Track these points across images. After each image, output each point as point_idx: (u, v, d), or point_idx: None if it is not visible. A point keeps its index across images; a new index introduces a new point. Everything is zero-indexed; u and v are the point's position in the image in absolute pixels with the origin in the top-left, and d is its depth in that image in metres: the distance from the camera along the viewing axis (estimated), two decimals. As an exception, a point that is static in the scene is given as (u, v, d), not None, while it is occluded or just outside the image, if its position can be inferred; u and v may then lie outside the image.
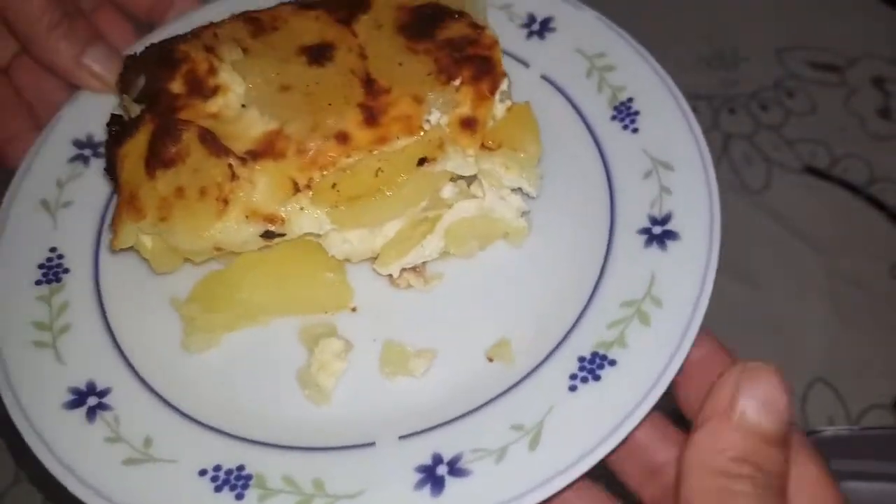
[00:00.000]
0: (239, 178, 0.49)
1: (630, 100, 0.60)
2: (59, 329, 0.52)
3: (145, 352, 0.52)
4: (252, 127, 0.52)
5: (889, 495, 0.74)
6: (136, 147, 0.51)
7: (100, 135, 0.62)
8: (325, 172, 0.50)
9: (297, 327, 0.53)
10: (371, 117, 0.52)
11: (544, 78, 0.63)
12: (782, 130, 1.06)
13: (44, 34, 0.60)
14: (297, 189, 0.50)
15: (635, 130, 0.58)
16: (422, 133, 0.51)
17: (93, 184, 0.60)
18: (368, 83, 0.53)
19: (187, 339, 0.52)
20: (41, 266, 0.55)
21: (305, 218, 0.50)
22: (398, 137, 0.51)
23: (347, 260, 0.54)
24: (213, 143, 0.49)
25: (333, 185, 0.50)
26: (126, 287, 0.55)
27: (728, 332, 0.76)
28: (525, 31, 0.65)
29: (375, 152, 0.51)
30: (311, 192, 0.50)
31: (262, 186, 0.49)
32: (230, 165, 0.49)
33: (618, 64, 0.61)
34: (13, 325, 0.52)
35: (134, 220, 0.50)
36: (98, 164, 0.60)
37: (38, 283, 0.54)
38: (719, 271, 0.59)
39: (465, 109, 0.53)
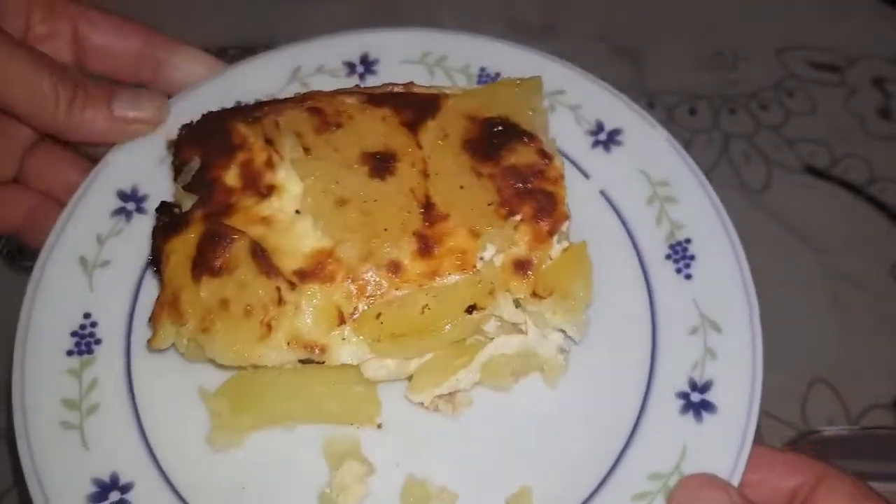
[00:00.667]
0: (286, 304, 0.48)
1: (688, 241, 0.58)
2: (87, 409, 0.52)
3: (170, 443, 0.52)
4: (304, 240, 0.51)
5: (889, 495, 0.71)
6: (184, 245, 0.50)
7: (145, 186, 0.60)
8: (372, 304, 0.49)
9: (322, 438, 0.53)
10: (425, 248, 0.51)
11: (603, 194, 0.61)
12: (782, 130, 1.08)
13: (65, 112, 0.57)
14: (342, 320, 0.49)
15: (689, 276, 0.57)
16: (474, 271, 0.50)
17: (133, 244, 0.58)
18: (427, 207, 0.52)
19: (213, 433, 0.52)
20: (74, 334, 0.55)
21: (346, 348, 0.49)
22: (450, 273, 0.50)
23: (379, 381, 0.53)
24: (263, 259, 0.48)
25: (378, 316, 0.49)
26: (157, 368, 0.54)
27: None
28: (591, 139, 0.63)
29: (425, 286, 0.50)
30: (354, 323, 0.49)
31: (307, 313, 0.49)
32: (278, 288, 0.48)
33: (680, 197, 0.60)
34: (43, 400, 0.52)
35: (174, 324, 0.49)
36: (140, 221, 0.59)
37: (69, 353, 0.54)
38: None
39: (521, 250, 0.51)
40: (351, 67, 0.66)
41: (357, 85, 0.61)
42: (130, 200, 0.60)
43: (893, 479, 0.75)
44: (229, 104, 0.62)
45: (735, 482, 0.50)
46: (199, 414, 0.54)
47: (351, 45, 0.67)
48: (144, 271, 0.58)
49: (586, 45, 1.10)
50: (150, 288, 0.57)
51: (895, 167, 1.03)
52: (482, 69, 0.66)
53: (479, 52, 0.67)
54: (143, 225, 0.59)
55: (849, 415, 0.85)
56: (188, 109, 0.62)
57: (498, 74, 0.66)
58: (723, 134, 1.07)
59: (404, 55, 0.67)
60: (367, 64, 0.67)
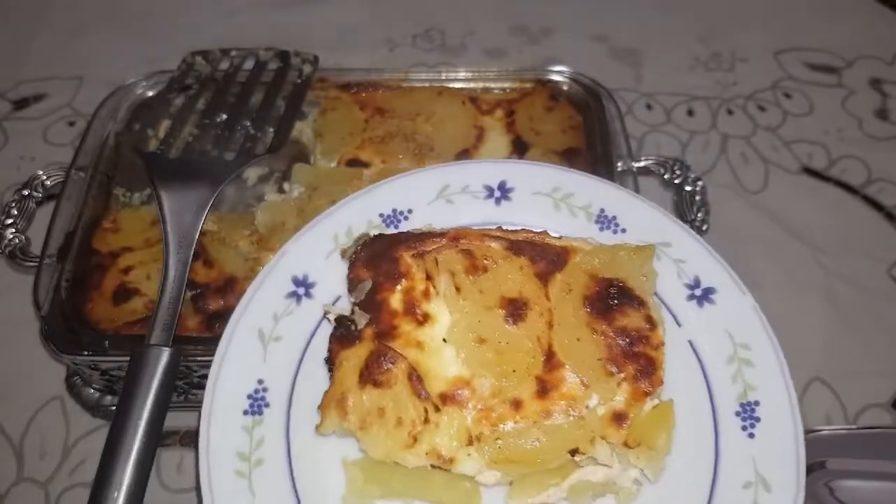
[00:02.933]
0: (430, 423, 0.61)
1: (757, 403, 0.68)
2: (254, 462, 0.65)
3: (314, 497, 0.65)
4: (448, 366, 0.63)
5: (886, 494, 0.77)
6: (355, 357, 0.63)
7: (314, 274, 0.72)
8: (494, 430, 0.61)
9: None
10: (543, 391, 0.62)
11: (691, 344, 0.72)
12: (780, 131, 1.10)
13: None
14: (470, 441, 0.61)
15: (752, 436, 0.67)
16: (579, 417, 0.62)
17: (300, 324, 0.71)
18: (549, 355, 0.64)
19: (347, 496, 0.65)
20: (249, 396, 0.68)
21: (468, 463, 0.62)
22: (560, 415, 0.62)
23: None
24: (416, 383, 0.61)
25: (496, 440, 0.61)
26: (311, 434, 0.67)
27: None
28: (688, 292, 0.73)
29: (538, 423, 0.62)
30: (479, 443, 0.61)
31: (445, 432, 0.61)
32: (426, 409, 0.61)
33: (757, 362, 0.70)
34: (222, 450, 0.65)
35: (339, 417, 0.62)
36: (307, 304, 0.72)
37: (245, 412, 0.67)
38: None
39: (620, 404, 0.63)
40: (490, 191, 0.77)
41: (499, 226, 0.73)
42: (301, 286, 0.72)
43: (890, 479, 0.77)
44: (388, 210, 0.75)
45: None
46: (339, 477, 0.66)
47: (492, 171, 0.78)
48: (306, 350, 0.71)
49: (586, 47, 1.12)
50: (311, 365, 0.70)
51: (892, 168, 1.05)
52: (601, 210, 0.77)
53: (601, 195, 0.77)
54: (310, 308, 0.72)
55: (846, 414, 0.87)
56: (357, 209, 0.75)
57: (614, 217, 0.76)
58: (721, 135, 1.09)
59: (537, 187, 0.77)
60: (504, 190, 0.77)
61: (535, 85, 1.00)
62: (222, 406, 0.66)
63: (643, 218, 0.75)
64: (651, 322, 0.65)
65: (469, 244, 0.67)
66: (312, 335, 0.71)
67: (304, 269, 0.73)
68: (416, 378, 0.62)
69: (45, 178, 0.91)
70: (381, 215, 0.75)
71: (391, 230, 0.74)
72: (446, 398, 0.62)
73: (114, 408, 0.74)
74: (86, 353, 0.76)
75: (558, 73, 1.00)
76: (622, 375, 0.63)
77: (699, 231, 0.86)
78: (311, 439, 0.67)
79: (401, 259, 0.66)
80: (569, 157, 0.92)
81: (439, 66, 1.11)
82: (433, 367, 0.63)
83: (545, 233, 0.71)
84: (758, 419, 0.68)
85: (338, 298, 0.72)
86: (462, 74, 1.00)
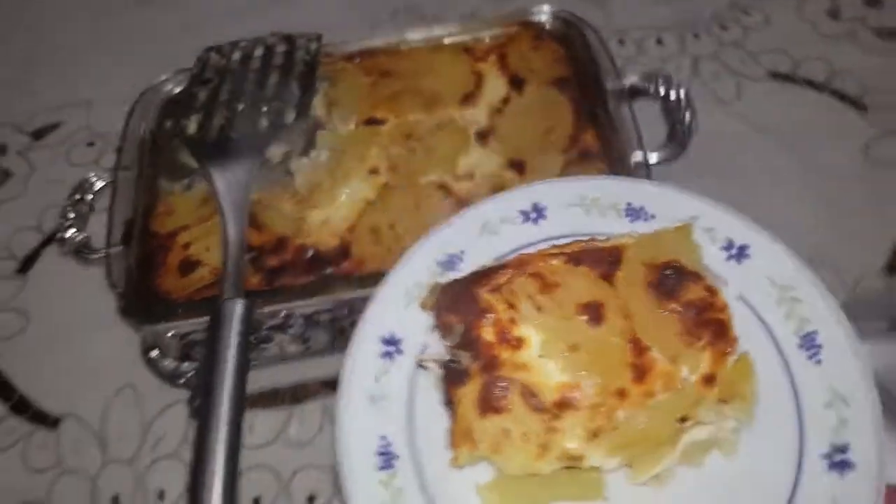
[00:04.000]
0: (553, 431, 0.68)
1: (815, 332, 0.77)
2: (397, 509, 0.72)
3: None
4: (552, 377, 0.70)
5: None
6: (470, 392, 0.70)
7: (399, 332, 0.79)
8: (610, 421, 0.69)
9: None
10: (640, 375, 0.70)
11: (741, 298, 0.80)
12: (744, 44, 1.21)
13: None
14: (591, 437, 0.69)
15: (818, 362, 0.76)
16: (679, 387, 0.70)
17: (399, 378, 0.77)
18: (634, 342, 0.71)
19: (486, 515, 0.72)
20: (379, 454, 0.74)
21: (594, 456, 0.69)
22: (662, 392, 0.70)
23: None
24: (532, 400, 0.68)
25: (614, 429, 0.69)
26: (442, 473, 0.74)
27: None
28: (725, 254, 0.82)
29: (645, 405, 0.69)
30: (601, 438, 0.69)
31: (569, 435, 0.68)
32: (546, 419, 0.68)
33: (804, 298, 0.79)
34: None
35: (470, 449, 0.69)
36: (399, 360, 0.79)
37: (379, 468, 0.73)
38: (706, 175, 0.87)
39: (706, 368, 0.71)
40: (525, 215, 0.85)
41: (552, 244, 0.80)
42: (391, 344, 0.79)
43: (879, 337, 0.84)
44: (443, 257, 0.82)
45: None
46: (474, 501, 0.73)
47: (522, 197, 0.86)
48: (412, 399, 0.77)
49: (554, -4, 1.20)
50: (421, 409, 0.76)
51: (850, 60, 1.15)
52: (628, 204, 0.85)
53: (623, 191, 0.86)
54: (403, 361, 0.78)
55: (845, 285, 0.95)
56: (417, 263, 0.82)
57: (642, 207, 0.85)
58: (691, 57, 1.20)
59: (566, 200, 0.86)
60: (538, 210, 0.85)
61: (520, 28, 1.10)
62: (358, 470, 0.73)
63: (666, 201, 0.84)
64: (710, 290, 0.73)
65: (534, 267, 0.75)
66: (412, 384, 0.78)
67: (390, 328, 0.79)
68: (528, 395, 0.69)
69: (94, 178, 0.99)
70: (438, 263, 0.82)
71: (453, 273, 0.81)
72: (561, 404, 0.69)
73: (192, 373, 0.87)
74: (163, 321, 0.85)
75: (538, 14, 1.11)
76: (702, 343, 0.71)
77: (689, 132, 0.96)
78: (444, 477, 0.74)
79: (480, 297, 0.73)
80: (560, 86, 1.03)
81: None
82: (540, 382, 0.70)
83: (593, 238, 0.79)
84: (820, 346, 0.76)
85: (425, 347, 0.79)
86: (451, 29, 1.10)
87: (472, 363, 0.71)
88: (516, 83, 1.03)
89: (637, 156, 0.91)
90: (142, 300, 0.86)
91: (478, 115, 1.00)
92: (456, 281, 0.76)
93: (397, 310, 0.80)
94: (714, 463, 0.75)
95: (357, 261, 0.90)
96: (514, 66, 1.06)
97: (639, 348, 0.71)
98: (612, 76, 1.01)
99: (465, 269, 0.82)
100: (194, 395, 0.90)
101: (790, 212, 1.01)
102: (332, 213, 0.93)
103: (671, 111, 0.99)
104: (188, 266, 0.90)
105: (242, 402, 0.74)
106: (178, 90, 1.09)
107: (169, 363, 0.91)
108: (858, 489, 0.70)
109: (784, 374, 0.76)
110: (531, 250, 0.81)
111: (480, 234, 0.84)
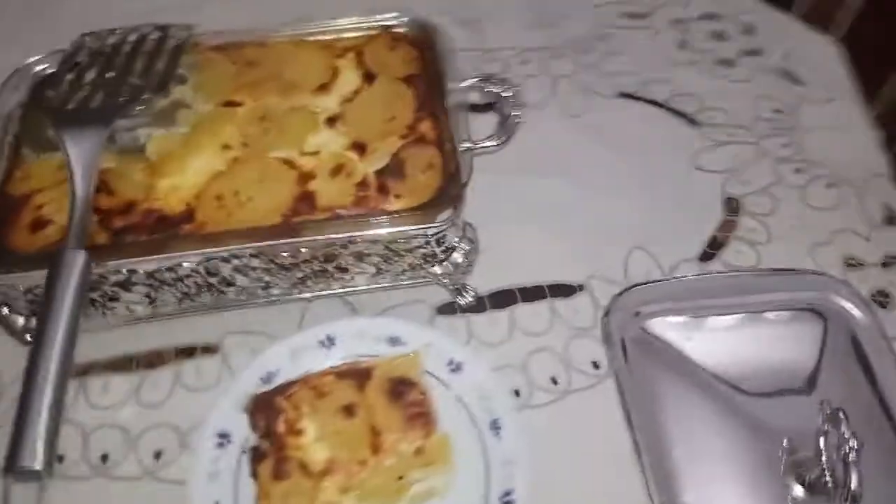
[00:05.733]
0: (318, 489, 1.08)
1: (497, 419, 1.19)
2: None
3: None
4: (320, 454, 1.10)
5: (682, 322, 1.02)
6: (267, 466, 1.08)
7: (228, 428, 1.17)
8: (356, 480, 1.09)
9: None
10: (375, 450, 1.09)
11: (457, 398, 1.22)
12: (600, 66, 1.30)
13: None
14: (344, 491, 1.09)
15: (499, 437, 1.18)
16: (400, 456, 1.11)
17: (229, 461, 1.11)
18: (374, 429, 1.12)
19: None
20: None
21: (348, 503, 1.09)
22: (389, 460, 1.11)
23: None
24: (305, 469, 1.08)
25: (360, 486, 1.09)
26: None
27: (555, 225, 1.16)
28: (448, 367, 1.18)
29: (377, 469, 1.10)
30: (350, 492, 1.09)
31: (329, 492, 1.08)
32: (314, 482, 1.08)
33: (492, 396, 1.21)
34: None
35: None
36: (229, 448, 1.16)
37: None
38: (548, 177, 1.08)
39: (417, 443, 1.12)
40: (322, 343, 1.25)
41: (330, 366, 1.22)
42: (223, 437, 1.17)
43: (686, 312, 1.03)
44: (264, 374, 1.23)
45: None
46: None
47: (319, 332, 1.24)
48: (238, 474, 1.15)
49: (435, 19, 1.22)
50: (243, 481, 1.14)
51: (690, 83, 1.26)
52: (390, 336, 1.24)
53: (391, 327, 1.22)
54: (232, 450, 1.16)
55: (662, 270, 1.07)
56: (246, 380, 1.21)
57: (398, 337, 1.24)
58: (552, 77, 1.31)
59: (349, 333, 1.26)
60: (331, 340, 1.25)
61: (380, 30, 1.21)
62: (195, 524, 1.10)
63: (415, 333, 1.25)
64: (423, 394, 1.15)
65: (314, 382, 1.16)
66: (238, 464, 1.16)
67: (223, 426, 1.19)
68: (303, 466, 1.09)
69: None
70: (260, 378, 1.22)
71: (268, 386, 1.22)
72: (324, 472, 1.09)
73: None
74: (8, 272, 0.87)
75: (398, 18, 1.20)
76: (415, 428, 1.13)
77: (513, 126, 1.08)
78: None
79: (278, 402, 1.14)
80: (409, 81, 1.12)
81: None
82: (312, 458, 1.09)
83: (357, 360, 1.21)
84: (500, 427, 1.17)
85: (247, 438, 1.18)
86: (315, 27, 1.19)
87: (269, 447, 1.11)
88: (369, 77, 1.07)
89: (465, 144, 0.99)
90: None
91: (329, 103, 1.04)
92: (265, 392, 1.16)
93: (230, 412, 1.19)
94: (433, 504, 1.16)
95: (199, 224, 0.93)
96: (370, 63, 1.09)
97: (375, 433, 1.12)
98: (454, 77, 1.04)
99: (277, 383, 1.22)
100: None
101: (621, 211, 1.11)
102: (182, 181, 0.95)
103: (501, 107, 1.04)
104: (39, 224, 0.92)
105: (72, 348, 0.76)
106: (52, 70, 1.07)
107: (17, 319, 0.94)
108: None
109: (479, 445, 1.18)
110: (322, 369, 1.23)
111: (291, 357, 1.25)
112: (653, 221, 1.15)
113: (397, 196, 1.13)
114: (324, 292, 1.24)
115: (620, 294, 1.08)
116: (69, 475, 1.09)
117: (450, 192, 1.08)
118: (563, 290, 1.21)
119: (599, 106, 1.29)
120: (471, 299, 1.25)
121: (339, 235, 1.10)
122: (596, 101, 1.30)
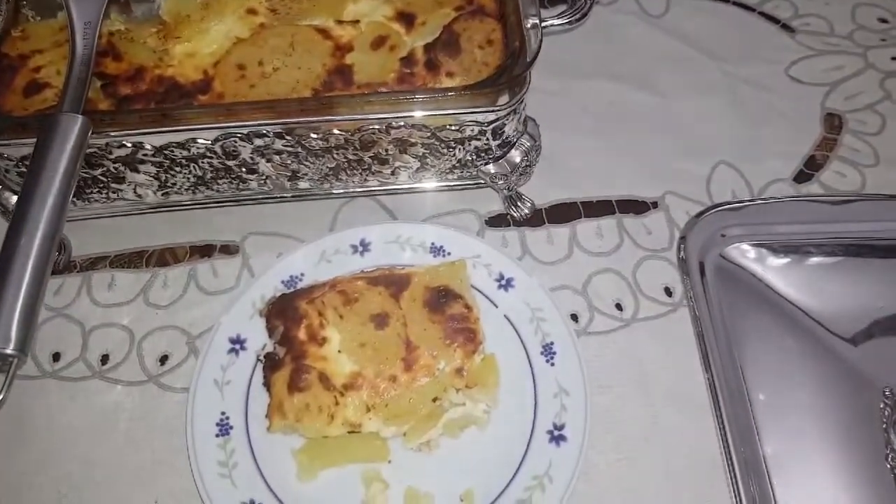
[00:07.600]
0: (339, 405, 0.93)
1: (552, 343, 1.04)
2: (231, 465, 0.95)
3: (278, 480, 0.96)
4: (345, 367, 0.96)
5: (767, 251, 0.91)
6: (282, 376, 0.95)
7: (244, 333, 1.04)
8: (383, 399, 0.94)
9: (360, 471, 0.97)
10: (408, 366, 0.96)
11: (506, 317, 1.07)
12: None
13: None
14: (368, 409, 0.94)
15: (552, 364, 1.03)
16: (435, 376, 0.96)
17: (241, 369, 1.02)
18: (408, 343, 0.97)
19: (299, 473, 0.97)
20: (217, 424, 0.98)
21: (371, 423, 0.94)
22: (423, 378, 0.96)
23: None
24: (326, 381, 0.94)
25: (386, 406, 0.94)
26: (267, 439, 0.98)
27: (637, 134, 1.04)
28: (496, 283, 1.09)
29: (410, 388, 0.95)
30: (375, 411, 0.94)
31: (351, 408, 0.94)
32: (335, 397, 0.93)
33: (547, 318, 1.06)
34: (208, 461, 0.95)
35: (280, 419, 0.94)
36: (243, 355, 1.03)
37: (216, 435, 0.98)
38: (624, 82, 0.98)
39: (457, 363, 0.97)
40: (355, 248, 1.11)
41: (362, 270, 1.07)
42: (237, 343, 1.04)
43: (786, 241, 0.93)
44: (287, 277, 1.07)
45: (573, 484, 0.94)
46: (291, 462, 0.98)
47: (353, 236, 1.12)
48: (250, 384, 1.02)
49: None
50: (255, 392, 1.00)
51: None
52: (433, 243, 1.12)
53: (431, 234, 1.12)
54: (246, 356, 1.03)
55: (751, 190, 0.99)
56: (265, 282, 1.07)
57: (442, 247, 1.11)
58: None
59: (386, 239, 1.12)
60: (365, 245, 1.11)
61: None
62: (200, 435, 0.97)
63: (462, 243, 1.10)
64: (468, 307, 1.00)
65: (342, 286, 1.01)
66: (252, 373, 1.02)
67: (237, 330, 1.04)
68: (324, 379, 0.94)
69: None
70: (282, 282, 1.08)
71: (291, 290, 1.07)
72: (347, 386, 0.95)
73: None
74: None
75: None
76: (456, 344, 0.97)
77: (591, 4, 0.95)
78: (267, 441, 0.98)
79: (299, 306, 0.99)
80: None
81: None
82: (335, 370, 0.96)
83: (394, 267, 1.05)
84: (554, 353, 1.03)
85: (264, 346, 1.04)
86: None
87: (286, 356, 0.96)
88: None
89: (532, 19, 0.88)
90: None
91: (374, -35, 0.85)
92: (283, 295, 1.02)
93: (245, 317, 1.05)
94: (470, 435, 1.01)
95: (217, 94, 0.85)
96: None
97: (410, 347, 0.97)
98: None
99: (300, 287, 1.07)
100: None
101: (707, 120, 1.03)
102: (200, 46, 0.87)
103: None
104: (34, 87, 0.85)
105: (60, 224, 0.70)
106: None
107: (11, 198, 0.88)
108: (568, 455, 0.96)
109: (528, 372, 1.03)
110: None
111: (318, 261, 1.10)
112: (742, 135, 1.03)
113: (449, 74, 0.97)
114: (359, 189, 1.08)
115: (702, 214, 0.97)
116: (65, 375, 0.98)
117: (512, 72, 0.91)
118: (635, 207, 1.10)
119: (682, 5, 1.17)
120: (527, 211, 1.10)
121: (378, 116, 0.93)
122: (676, 1, 1.18)
